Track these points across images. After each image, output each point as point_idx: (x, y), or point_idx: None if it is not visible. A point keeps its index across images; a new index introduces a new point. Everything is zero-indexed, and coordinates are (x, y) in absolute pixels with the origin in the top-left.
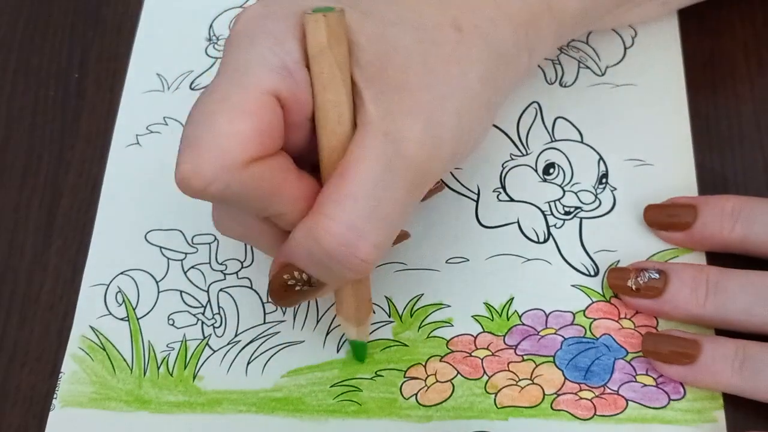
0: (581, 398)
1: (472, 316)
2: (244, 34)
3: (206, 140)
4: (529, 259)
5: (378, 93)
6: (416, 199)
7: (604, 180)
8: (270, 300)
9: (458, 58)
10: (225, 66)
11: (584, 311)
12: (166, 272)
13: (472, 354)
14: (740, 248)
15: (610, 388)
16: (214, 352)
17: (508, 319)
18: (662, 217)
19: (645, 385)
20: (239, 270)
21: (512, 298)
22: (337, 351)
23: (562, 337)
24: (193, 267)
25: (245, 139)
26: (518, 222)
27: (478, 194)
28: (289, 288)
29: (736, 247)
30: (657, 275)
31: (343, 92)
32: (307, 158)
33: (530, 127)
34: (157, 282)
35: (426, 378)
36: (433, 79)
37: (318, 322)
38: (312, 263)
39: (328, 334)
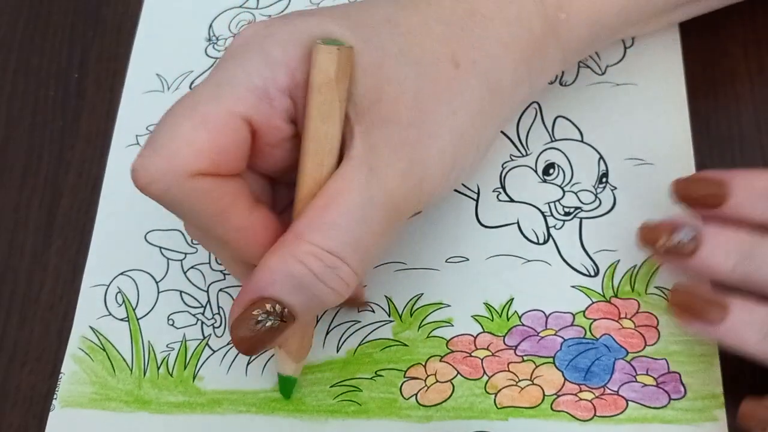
0: (581, 399)
1: (472, 316)
2: (238, 50)
3: (162, 141)
4: (528, 260)
5: (367, 127)
6: (393, 231)
7: (604, 179)
8: (236, 346)
9: (451, 95)
10: (210, 76)
11: (584, 312)
12: (166, 272)
13: (472, 354)
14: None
15: (610, 389)
16: (214, 352)
17: (508, 320)
18: (693, 192)
19: (645, 385)
20: None
21: (512, 299)
22: (337, 351)
23: (562, 338)
24: (192, 267)
25: (198, 151)
26: (518, 223)
27: (478, 194)
28: (258, 324)
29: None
30: (689, 237)
31: (339, 126)
32: (280, 179)
33: (530, 127)
34: (156, 282)
35: (426, 378)
36: (422, 116)
37: (318, 322)
38: (291, 289)
39: (327, 334)
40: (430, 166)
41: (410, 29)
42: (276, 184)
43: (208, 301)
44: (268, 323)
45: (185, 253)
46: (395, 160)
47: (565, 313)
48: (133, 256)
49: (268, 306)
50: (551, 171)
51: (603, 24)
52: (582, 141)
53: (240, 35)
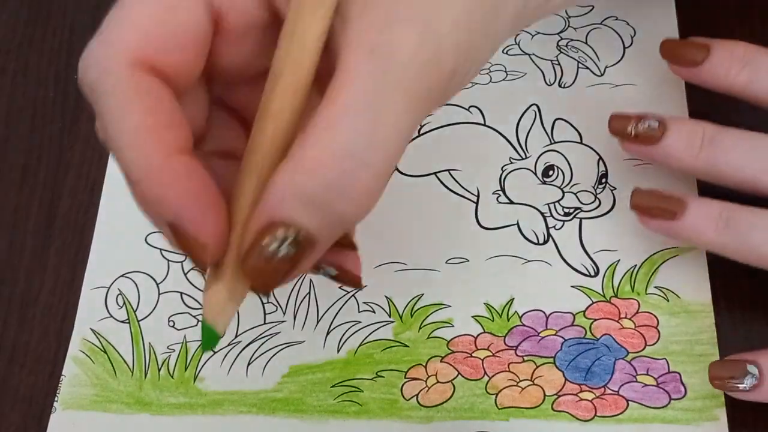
0: (582, 399)
1: (473, 317)
2: None
3: (110, 23)
4: (529, 260)
5: (362, 8)
6: (417, 120)
7: (603, 180)
8: (251, 287)
9: None
10: None
11: (584, 312)
12: (167, 274)
13: (473, 354)
14: (742, 94)
15: (610, 389)
16: (215, 353)
17: (508, 320)
18: (677, 51)
19: (646, 385)
20: None
21: (512, 299)
22: (338, 351)
23: (563, 338)
24: (193, 268)
25: (147, 31)
26: (518, 224)
27: (478, 196)
28: (271, 255)
29: (739, 92)
30: (656, 124)
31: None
32: (244, 98)
33: (529, 130)
34: (157, 284)
35: (426, 379)
36: None
37: (318, 322)
38: (305, 208)
39: (328, 334)
40: (445, 38)
41: None
42: (220, 113)
43: None
44: (283, 252)
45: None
46: (403, 34)
47: (565, 313)
48: (134, 258)
49: (279, 232)
50: (551, 173)
51: None
52: (581, 142)
53: None
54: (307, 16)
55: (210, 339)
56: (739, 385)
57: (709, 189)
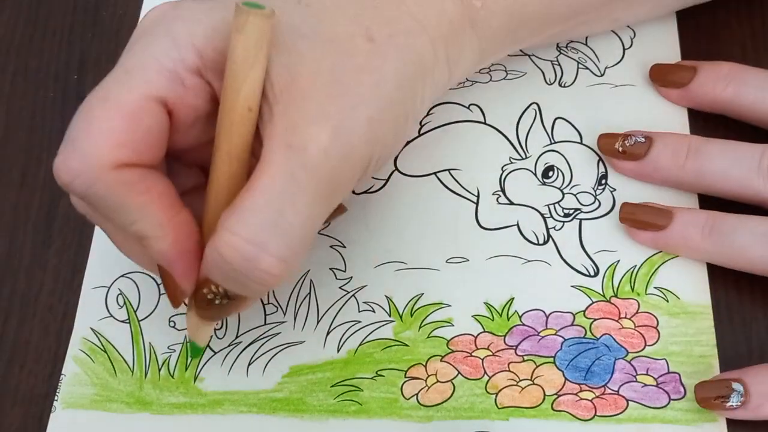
0: (582, 399)
1: (473, 316)
2: (145, 32)
3: (79, 136)
4: (529, 260)
5: (285, 106)
6: (326, 209)
7: (603, 181)
8: (202, 319)
9: (371, 68)
10: (119, 63)
11: (584, 311)
12: None
13: (473, 354)
14: (729, 109)
15: (610, 389)
16: (215, 353)
17: (508, 320)
18: (666, 74)
19: (645, 385)
20: None
21: (512, 299)
22: (338, 351)
23: (563, 338)
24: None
25: (117, 141)
26: (518, 225)
27: (478, 197)
28: (209, 302)
29: (726, 107)
30: (642, 140)
31: (258, 97)
32: (189, 158)
33: (529, 129)
34: (158, 284)
35: (426, 378)
36: (342, 89)
37: (318, 322)
38: (222, 278)
39: (328, 334)
40: (358, 134)
41: (322, 9)
42: (178, 163)
43: None
44: (217, 301)
45: None
46: (316, 133)
47: (565, 312)
48: None
49: (212, 287)
50: (551, 173)
51: (522, 17)
52: (581, 143)
53: (147, 17)
54: (235, 106)
55: (195, 350)
56: (726, 404)
57: (707, 198)
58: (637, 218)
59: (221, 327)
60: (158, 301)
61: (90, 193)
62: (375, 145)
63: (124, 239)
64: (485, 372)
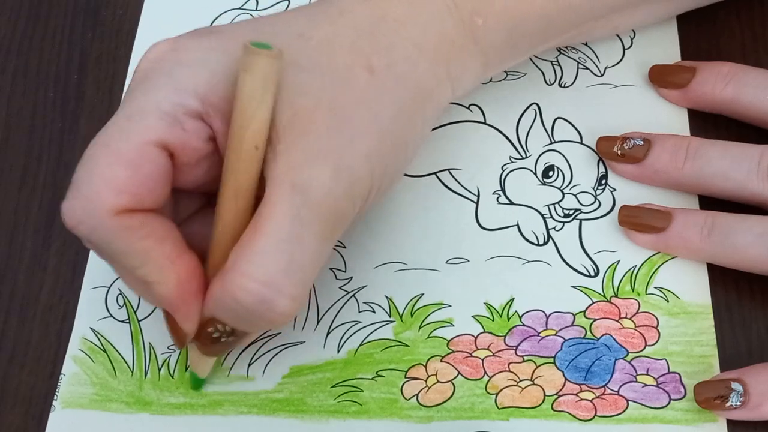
0: (582, 399)
1: (473, 317)
2: (145, 76)
3: (83, 182)
4: (529, 261)
5: (287, 145)
6: (332, 243)
7: (603, 181)
8: (199, 349)
9: (369, 100)
10: (120, 108)
11: (584, 312)
12: None
13: (473, 354)
14: (729, 108)
15: (610, 389)
16: None
17: (508, 320)
18: (665, 75)
19: (645, 385)
20: None
21: (512, 299)
22: (338, 351)
23: (563, 338)
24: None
25: (118, 188)
26: (518, 225)
27: (478, 196)
28: (214, 339)
29: (726, 108)
30: (641, 142)
31: (265, 138)
32: (201, 188)
33: (530, 129)
34: None
35: (427, 378)
36: (341, 123)
37: (318, 322)
38: (232, 318)
39: (328, 334)
40: (357, 170)
41: (322, 41)
42: (183, 193)
43: None
44: (222, 339)
45: None
46: (318, 172)
47: (565, 313)
48: None
49: (218, 326)
50: (551, 173)
51: (523, 31)
52: (581, 143)
53: (146, 58)
54: (242, 144)
55: (195, 381)
56: (725, 404)
57: (707, 198)
58: (636, 221)
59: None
60: None
61: (93, 238)
62: (374, 177)
63: (130, 279)
64: (485, 372)
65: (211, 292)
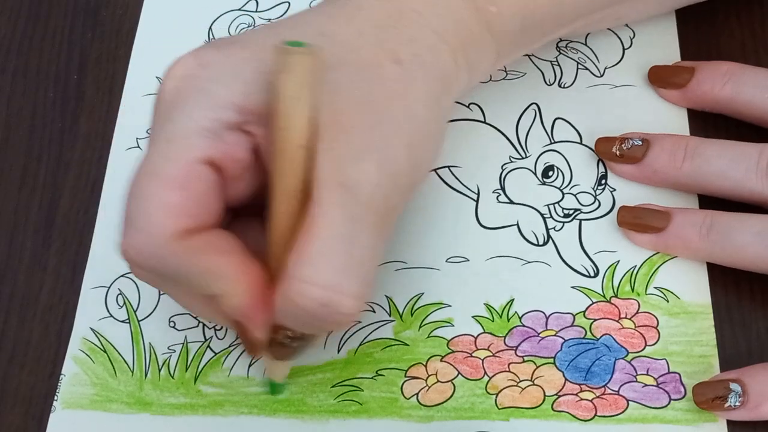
0: (582, 399)
1: (473, 317)
2: (175, 97)
3: (138, 215)
4: (528, 261)
5: (329, 143)
6: (387, 236)
7: (603, 181)
8: (269, 356)
9: (401, 92)
10: (156, 134)
11: (584, 312)
12: None
13: (473, 354)
14: (728, 108)
15: (610, 389)
16: (216, 354)
17: (508, 320)
18: (664, 76)
19: (646, 385)
20: None
21: (512, 299)
22: (338, 351)
23: (563, 338)
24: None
25: (175, 212)
26: (518, 225)
27: (478, 194)
28: (284, 345)
29: (725, 107)
30: (640, 142)
31: (307, 136)
32: (257, 201)
33: (529, 129)
34: None
35: (427, 378)
36: (379, 117)
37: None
38: (298, 324)
39: (328, 334)
40: (400, 163)
41: (345, 39)
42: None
43: None
44: (294, 345)
45: None
46: (364, 168)
47: (565, 313)
48: None
49: (288, 332)
50: (550, 173)
51: (535, 18)
52: (581, 143)
53: (173, 76)
54: (287, 145)
55: (274, 387)
56: (724, 404)
57: (707, 197)
58: (636, 221)
59: (221, 328)
60: (158, 301)
61: (159, 266)
62: (416, 167)
63: (194, 300)
64: (485, 372)
65: (276, 302)
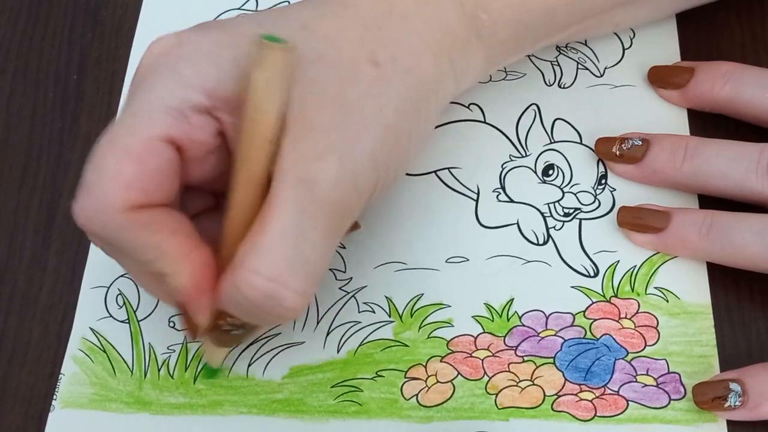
0: (582, 399)
1: (473, 317)
2: (149, 71)
3: (92, 181)
4: (528, 261)
5: (293, 138)
6: (338, 238)
7: (603, 181)
8: (218, 346)
9: (375, 93)
10: (126, 105)
11: (584, 312)
12: None
13: (473, 355)
14: (728, 107)
15: (610, 389)
16: None
17: (508, 320)
18: (664, 76)
19: (645, 385)
20: None
21: (512, 299)
22: (338, 352)
23: (563, 338)
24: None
25: (127, 184)
26: (518, 223)
27: (478, 194)
28: (226, 332)
29: (725, 107)
30: (640, 143)
31: (276, 131)
32: (209, 185)
33: (529, 129)
34: None
35: (426, 378)
36: (347, 117)
37: (318, 323)
38: (241, 313)
39: (328, 334)
40: (362, 164)
41: (327, 34)
42: (189, 189)
43: None
44: (233, 332)
45: None
46: (324, 166)
47: (565, 313)
48: None
49: (228, 319)
50: (551, 172)
51: (527, 25)
52: (581, 143)
53: (150, 53)
54: (255, 138)
55: (209, 371)
56: (724, 404)
57: (707, 197)
58: (635, 221)
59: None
60: (158, 302)
61: (105, 235)
62: (380, 171)
63: (142, 275)
64: (485, 372)
65: (221, 286)
